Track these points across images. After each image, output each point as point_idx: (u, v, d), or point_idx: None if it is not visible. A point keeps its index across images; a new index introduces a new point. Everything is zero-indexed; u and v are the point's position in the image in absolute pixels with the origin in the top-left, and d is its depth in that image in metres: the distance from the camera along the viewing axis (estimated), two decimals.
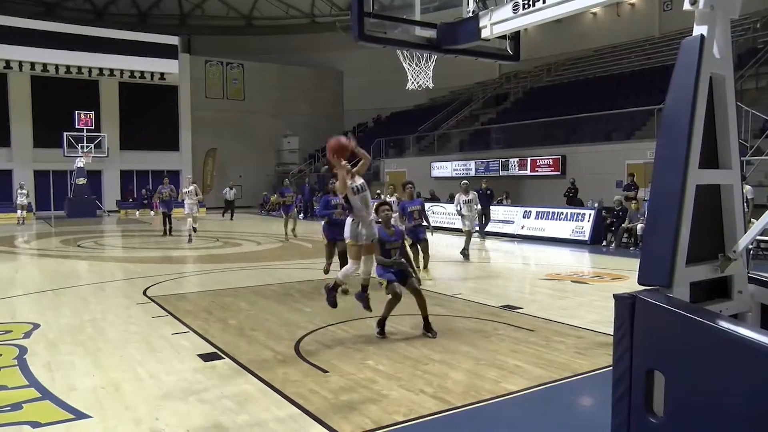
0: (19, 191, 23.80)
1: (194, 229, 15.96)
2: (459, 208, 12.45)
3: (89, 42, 30.97)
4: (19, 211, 23.02)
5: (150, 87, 33.26)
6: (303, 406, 4.18)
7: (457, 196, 12.65)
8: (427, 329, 6.04)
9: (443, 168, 24.91)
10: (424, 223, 9.47)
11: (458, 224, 18.87)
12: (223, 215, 26.22)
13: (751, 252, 11.14)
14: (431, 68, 6.44)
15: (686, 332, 2.60)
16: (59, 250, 14.81)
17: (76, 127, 27.89)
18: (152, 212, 27.85)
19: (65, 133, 27.77)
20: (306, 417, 4.02)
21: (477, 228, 12.63)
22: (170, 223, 17.31)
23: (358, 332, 6.17)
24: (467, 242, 12.26)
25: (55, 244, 16.02)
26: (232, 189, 26.99)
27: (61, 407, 4.18)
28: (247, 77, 36.69)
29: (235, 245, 15.50)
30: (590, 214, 15.59)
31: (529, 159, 21.37)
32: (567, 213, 16.21)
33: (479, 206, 12.76)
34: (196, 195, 16.30)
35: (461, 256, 12.10)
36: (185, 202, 16.21)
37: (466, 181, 12.86)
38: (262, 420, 3.97)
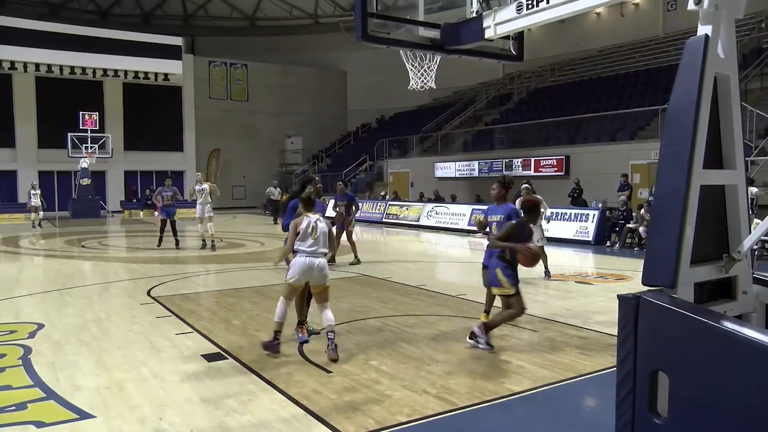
0: (31, 192, 22.19)
1: (213, 243, 13.91)
2: None
3: (93, 43, 31.06)
4: (32, 213, 21.67)
5: (154, 88, 33.35)
6: (306, 407, 4.18)
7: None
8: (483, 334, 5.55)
9: (447, 168, 24.91)
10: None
11: (461, 225, 18.95)
12: (275, 221, 22.62)
13: (756, 252, 11.11)
14: (434, 68, 6.43)
15: (690, 333, 2.59)
16: (63, 250, 14.85)
17: (81, 127, 27.99)
18: (156, 213, 27.80)
19: (69, 134, 27.91)
20: (309, 417, 4.02)
21: (539, 242, 9.28)
22: (175, 234, 14.20)
23: (361, 333, 6.18)
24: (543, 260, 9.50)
25: (60, 245, 16.06)
26: (276, 188, 24.51)
27: (65, 407, 4.19)
28: (250, 78, 36.80)
29: (238, 246, 15.52)
30: (594, 215, 15.58)
31: (532, 159, 21.35)
32: (571, 213, 16.18)
33: (547, 214, 10.21)
34: (211, 194, 13.70)
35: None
36: (197, 203, 13.73)
37: (527, 185, 10.48)
38: (266, 420, 3.98)
